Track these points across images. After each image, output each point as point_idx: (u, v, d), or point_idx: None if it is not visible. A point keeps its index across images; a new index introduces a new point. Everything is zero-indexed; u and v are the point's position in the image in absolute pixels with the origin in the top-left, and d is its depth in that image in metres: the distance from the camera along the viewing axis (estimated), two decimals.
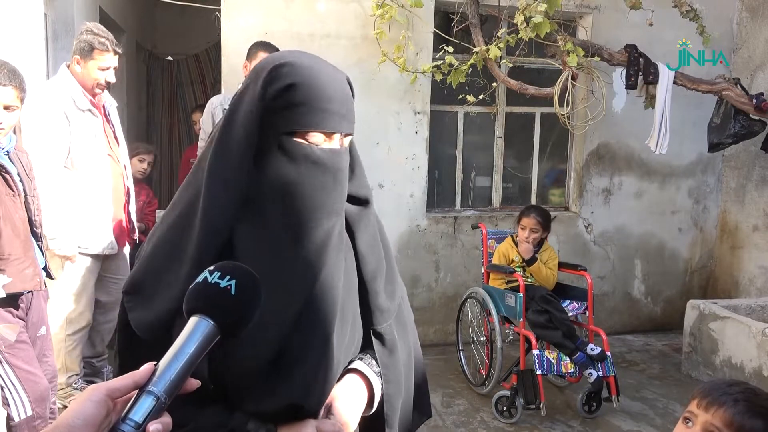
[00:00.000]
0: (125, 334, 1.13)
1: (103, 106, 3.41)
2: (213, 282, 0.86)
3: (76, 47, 3.24)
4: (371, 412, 1.23)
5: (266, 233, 1.08)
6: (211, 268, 0.88)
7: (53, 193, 3.07)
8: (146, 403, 0.76)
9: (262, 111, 1.06)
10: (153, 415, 0.76)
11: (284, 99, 1.05)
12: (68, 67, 3.28)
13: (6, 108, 2.42)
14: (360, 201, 1.21)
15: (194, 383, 0.82)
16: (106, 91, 3.42)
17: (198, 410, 1.08)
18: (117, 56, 3.31)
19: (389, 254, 1.31)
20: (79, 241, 3.26)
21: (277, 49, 3.66)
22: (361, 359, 1.23)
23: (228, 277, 0.86)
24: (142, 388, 0.78)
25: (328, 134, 1.08)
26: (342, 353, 1.18)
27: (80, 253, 3.28)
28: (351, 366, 1.21)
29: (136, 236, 3.68)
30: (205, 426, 1.07)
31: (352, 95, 1.14)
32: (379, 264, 1.24)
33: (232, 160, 1.06)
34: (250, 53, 3.72)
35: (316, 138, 1.07)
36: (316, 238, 1.10)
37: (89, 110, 3.28)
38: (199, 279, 0.87)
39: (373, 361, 1.24)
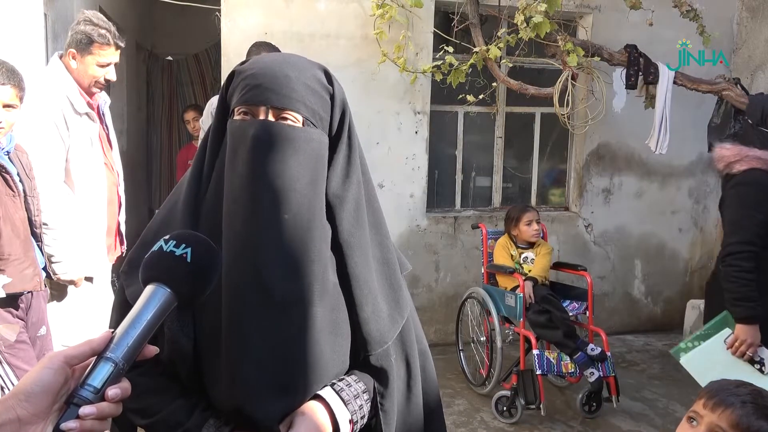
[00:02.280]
0: (119, 314, 1.15)
1: (98, 107, 3.01)
2: (168, 250, 0.86)
3: (71, 39, 2.80)
4: None
5: (213, 217, 1.12)
6: (167, 236, 0.88)
7: (57, 212, 2.73)
8: (105, 369, 0.77)
9: (221, 103, 1.16)
10: (111, 380, 0.77)
11: (230, 87, 1.15)
12: (61, 58, 2.86)
13: (5, 107, 2.42)
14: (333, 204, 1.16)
15: (152, 350, 0.83)
16: None
17: (165, 403, 1.09)
18: (119, 51, 2.90)
19: (391, 270, 1.23)
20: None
21: (277, 49, 3.66)
22: (332, 385, 1.15)
23: (183, 245, 0.86)
24: (100, 354, 0.78)
25: (252, 107, 1.10)
26: (315, 370, 1.11)
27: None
28: (318, 392, 1.14)
29: (125, 248, 3.21)
30: (165, 421, 1.08)
31: (329, 84, 1.14)
32: (368, 284, 1.17)
33: (206, 151, 1.16)
34: (250, 53, 3.68)
35: (243, 113, 1.11)
36: (254, 222, 1.08)
37: (87, 114, 2.89)
38: (155, 248, 0.88)
39: (349, 387, 1.16)
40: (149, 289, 0.84)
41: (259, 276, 1.07)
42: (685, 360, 2.55)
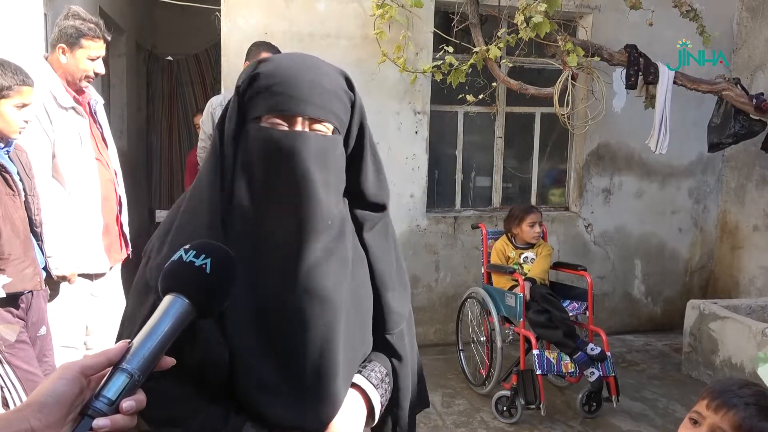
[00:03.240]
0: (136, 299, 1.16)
1: (89, 104, 3.01)
2: (188, 260, 0.85)
3: (60, 35, 2.83)
4: (373, 424, 1.23)
5: (244, 225, 1.11)
6: (187, 246, 0.88)
7: (46, 206, 2.71)
8: (120, 381, 0.76)
9: (238, 104, 1.12)
10: (126, 392, 0.76)
11: (252, 88, 1.11)
12: (47, 59, 2.90)
13: (25, 106, 2.46)
14: (377, 206, 1.22)
15: (169, 361, 0.82)
16: (91, 87, 3.04)
17: (198, 408, 1.08)
18: (106, 44, 2.94)
19: (400, 260, 1.33)
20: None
21: (277, 49, 3.65)
22: (360, 371, 1.21)
23: (203, 256, 0.85)
24: (115, 365, 0.77)
25: (288, 117, 1.09)
26: (347, 367, 1.16)
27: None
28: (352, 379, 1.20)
29: (130, 251, 3.21)
30: (201, 427, 1.08)
31: (350, 91, 1.16)
32: (391, 269, 1.26)
33: (218, 155, 1.12)
34: (250, 53, 3.69)
35: (276, 121, 1.09)
36: (290, 230, 1.09)
37: (73, 108, 2.88)
38: (174, 257, 0.87)
39: (374, 372, 1.22)
40: (167, 299, 0.83)
41: (302, 281, 1.10)
42: (762, 370, 2.49)
